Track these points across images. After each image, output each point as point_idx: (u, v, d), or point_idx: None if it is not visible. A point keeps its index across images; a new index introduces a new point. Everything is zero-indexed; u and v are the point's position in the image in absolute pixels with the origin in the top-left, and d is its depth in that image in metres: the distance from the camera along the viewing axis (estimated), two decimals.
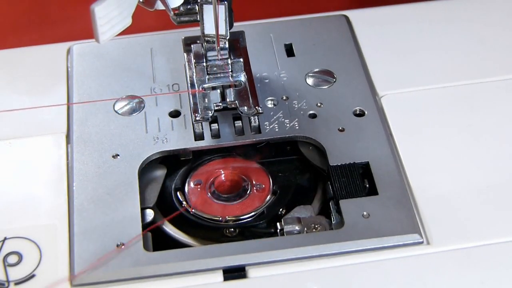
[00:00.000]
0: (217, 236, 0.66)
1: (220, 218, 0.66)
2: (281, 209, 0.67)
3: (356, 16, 0.82)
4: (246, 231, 0.66)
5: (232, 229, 0.66)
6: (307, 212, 0.66)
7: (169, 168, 0.70)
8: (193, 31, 0.73)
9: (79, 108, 0.73)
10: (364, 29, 0.80)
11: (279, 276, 0.61)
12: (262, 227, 0.66)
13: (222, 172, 0.70)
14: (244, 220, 0.66)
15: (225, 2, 0.67)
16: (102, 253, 0.62)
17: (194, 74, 0.72)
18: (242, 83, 0.72)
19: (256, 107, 0.70)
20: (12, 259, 0.62)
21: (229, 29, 0.69)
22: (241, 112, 0.70)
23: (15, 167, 0.69)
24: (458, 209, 0.64)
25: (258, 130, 0.70)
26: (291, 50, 0.78)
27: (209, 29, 0.69)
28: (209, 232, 0.66)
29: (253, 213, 0.67)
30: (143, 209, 0.65)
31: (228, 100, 0.71)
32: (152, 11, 0.66)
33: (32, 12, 1.00)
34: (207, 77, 0.72)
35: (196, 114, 0.69)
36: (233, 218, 0.66)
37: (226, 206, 0.67)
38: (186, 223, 0.66)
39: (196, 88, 0.72)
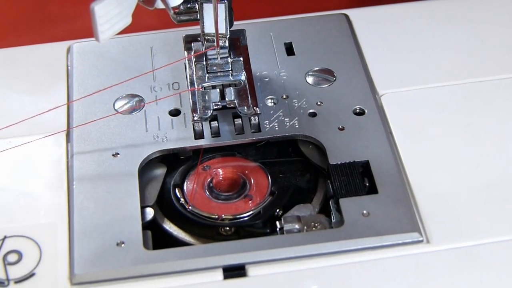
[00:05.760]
0: (212, 234, 0.66)
1: (216, 216, 0.66)
2: (277, 210, 0.67)
3: (356, 15, 0.82)
4: (242, 231, 0.66)
5: (228, 228, 0.66)
6: (307, 210, 0.66)
7: (169, 167, 0.70)
8: (194, 30, 0.73)
9: (79, 106, 0.73)
10: (364, 28, 0.80)
11: (279, 275, 0.61)
12: (258, 227, 0.66)
13: (221, 171, 0.70)
14: (240, 220, 0.66)
15: (225, 1, 0.67)
16: (102, 252, 0.62)
17: (194, 73, 0.72)
18: (242, 82, 0.72)
19: (255, 107, 0.70)
20: (12, 257, 0.62)
21: (229, 28, 0.69)
22: (240, 112, 0.70)
23: (15, 166, 0.69)
24: (457, 208, 0.64)
25: (258, 128, 0.70)
26: (291, 49, 0.78)
27: (209, 28, 0.69)
28: (204, 229, 0.66)
29: (249, 213, 0.67)
30: (143, 208, 0.65)
31: (227, 99, 0.71)
32: (152, 10, 0.66)
33: (32, 11, 1.00)
34: (207, 76, 0.72)
35: (194, 114, 0.69)
36: (230, 216, 0.66)
37: (223, 205, 0.67)
38: (182, 220, 0.66)
39: (196, 87, 0.72)
